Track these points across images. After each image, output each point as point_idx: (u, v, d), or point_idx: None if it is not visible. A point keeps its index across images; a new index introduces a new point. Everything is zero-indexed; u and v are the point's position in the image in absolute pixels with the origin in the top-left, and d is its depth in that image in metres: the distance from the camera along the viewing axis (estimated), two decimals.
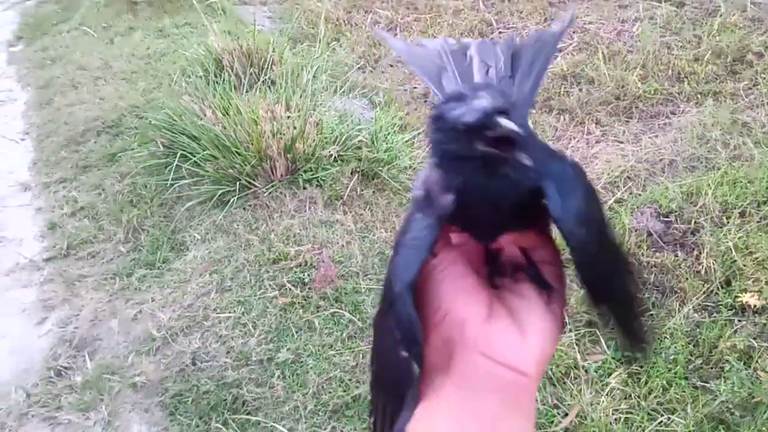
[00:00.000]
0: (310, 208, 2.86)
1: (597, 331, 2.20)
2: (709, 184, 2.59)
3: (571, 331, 2.22)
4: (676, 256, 2.39)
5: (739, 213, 2.47)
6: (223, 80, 3.48)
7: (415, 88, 3.74)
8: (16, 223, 3.28)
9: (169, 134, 3.25)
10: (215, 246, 2.78)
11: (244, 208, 2.93)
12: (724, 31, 3.56)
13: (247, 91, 3.42)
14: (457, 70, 0.68)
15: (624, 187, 2.74)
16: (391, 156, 3.06)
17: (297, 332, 2.35)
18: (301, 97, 3.22)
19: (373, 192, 2.95)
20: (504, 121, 0.48)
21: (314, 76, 3.56)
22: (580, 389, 2.03)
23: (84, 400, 2.29)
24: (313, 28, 4.46)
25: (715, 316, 2.18)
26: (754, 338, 2.07)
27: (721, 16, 3.67)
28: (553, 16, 4.10)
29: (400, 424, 0.54)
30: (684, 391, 1.99)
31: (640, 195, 2.68)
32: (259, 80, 3.52)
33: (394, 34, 4.30)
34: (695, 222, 2.49)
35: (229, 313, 2.47)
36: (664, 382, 2.02)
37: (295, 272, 2.56)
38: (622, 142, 3.06)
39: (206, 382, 2.24)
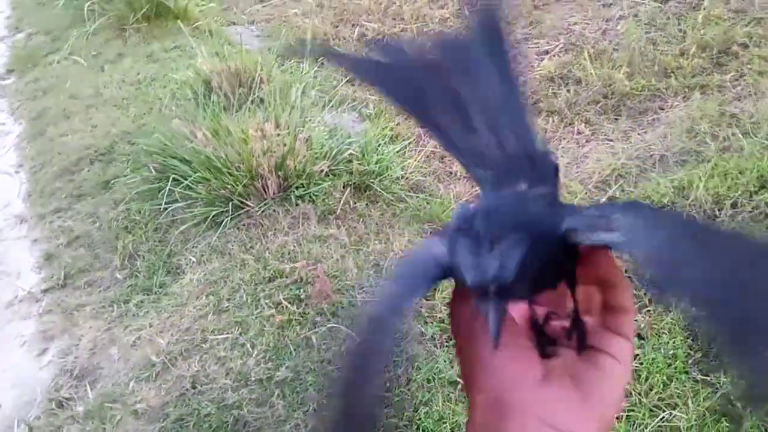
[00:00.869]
0: (304, 224, 2.86)
1: None
2: (700, 177, 2.59)
3: None
4: None
5: (731, 204, 2.47)
6: (213, 102, 3.50)
7: None
8: (13, 255, 3.29)
9: (161, 159, 3.26)
10: (211, 267, 2.78)
11: (237, 228, 2.94)
12: (708, 24, 3.57)
13: (236, 111, 3.44)
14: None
15: (616, 184, 2.74)
16: (382, 167, 3.07)
17: (295, 349, 2.35)
18: (290, 114, 3.24)
19: (366, 204, 2.95)
20: (491, 314, 0.47)
21: (303, 92, 3.57)
22: None
23: (86, 430, 2.29)
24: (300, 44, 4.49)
25: None
26: None
27: (704, 9, 3.68)
28: (539, 19, 4.11)
29: None
30: (685, 386, 1.98)
31: (632, 192, 2.68)
32: (248, 100, 3.53)
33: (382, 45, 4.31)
34: (688, 215, 2.49)
35: (227, 334, 2.47)
36: (665, 377, 2.01)
37: (291, 289, 2.56)
38: (612, 141, 3.06)
39: (207, 405, 2.23)
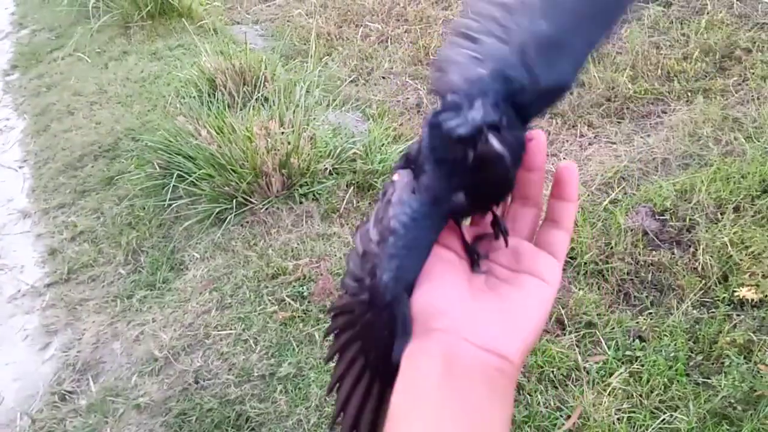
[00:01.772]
0: (307, 222, 2.87)
1: (597, 332, 2.21)
2: (702, 181, 2.61)
3: (571, 333, 2.23)
4: (673, 253, 2.40)
5: (733, 208, 2.48)
6: (217, 100, 3.51)
7: (407, 98, 3.77)
8: (16, 250, 3.30)
9: (166, 155, 3.27)
10: (214, 264, 2.79)
11: (241, 225, 2.95)
12: (711, 28, 3.59)
13: (240, 110, 3.45)
14: None
15: (618, 187, 2.75)
16: (385, 167, 3.08)
17: (298, 346, 2.36)
18: (294, 112, 3.25)
19: (369, 203, 2.96)
20: (493, 140, 0.51)
21: (307, 92, 3.59)
22: (582, 390, 2.03)
23: (89, 423, 2.30)
24: (304, 44, 4.50)
25: (713, 312, 2.18)
26: (753, 332, 2.08)
27: (708, 14, 3.70)
28: None
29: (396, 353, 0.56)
30: (685, 388, 1.99)
31: (634, 195, 2.69)
32: (252, 98, 3.54)
33: (385, 46, 4.33)
34: (690, 219, 2.50)
35: (230, 330, 2.48)
36: (666, 380, 2.02)
37: (294, 286, 2.57)
38: (614, 143, 3.07)
39: (209, 400, 2.24)
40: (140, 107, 4.13)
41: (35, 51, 5.46)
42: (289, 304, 2.51)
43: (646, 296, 2.30)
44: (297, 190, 3.00)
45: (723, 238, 2.37)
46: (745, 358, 2.02)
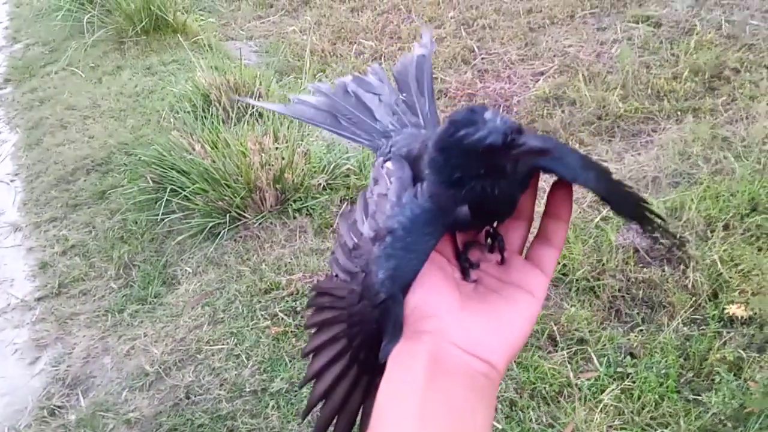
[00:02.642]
0: (301, 237, 2.88)
1: (589, 349, 2.22)
2: (692, 199, 2.64)
3: (563, 349, 2.24)
4: (663, 271, 2.42)
5: (723, 226, 2.51)
6: (211, 114, 3.52)
7: None
8: (7, 263, 3.28)
9: (159, 170, 3.28)
10: (207, 278, 2.79)
11: (234, 240, 2.95)
12: (700, 48, 3.64)
13: (235, 125, 3.46)
14: (353, 108, 0.76)
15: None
16: None
17: (290, 361, 2.35)
18: (288, 128, 3.26)
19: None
20: (530, 140, 0.54)
21: None
22: (574, 407, 2.04)
23: None
24: (299, 60, 4.53)
25: (703, 329, 2.20)
26: (743, 349, 2.09)
27: (697, 34, 3.76)
28: (534, 41, 4.18)
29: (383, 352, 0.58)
30: (676, 405, 2.00)
31: None
32: (246, 113, 3.56)
33: (378, 63, 4.37)
34: (680, 236, 2.52)
35: (222, 345, 2.47)
36: (657, 396, 2.03)
37: (287, 301, 2.57)
38: (605, 161, 3.10)
39: (200, 416, 2.23)
40: (134, 122, 4.14)
41: (28, 65, 5.46)
42: (282, 319, 2.51)
43: (637, 313, 2.32)
44: (291, 205, 3.00)
45: (713, 255, 2.39)
46: (735, 375, 2.03)
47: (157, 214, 3.15)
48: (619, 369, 2.14)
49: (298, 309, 2.53)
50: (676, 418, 1.97)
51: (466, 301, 0.59)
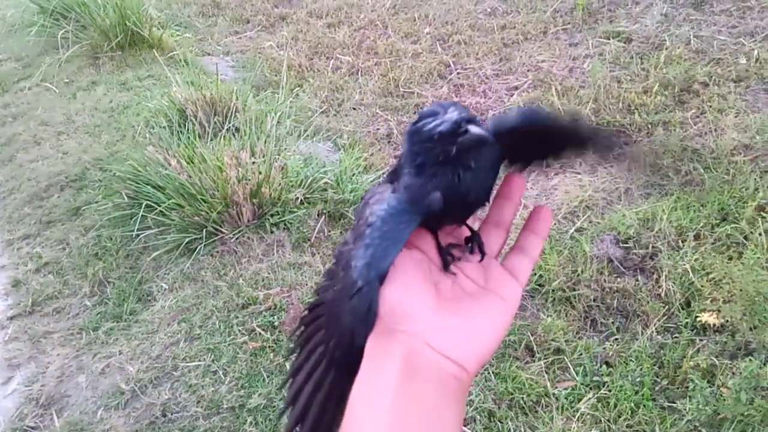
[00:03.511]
0: (278, 252, 2.87)
1: (565, 358, 2.24)
2: (663, 210, 2.68)
3: (540, 359, 2.26)
4: (637, 280, 2.46)
5: (694, 236, 2.56)
6: (188, 130, 3.51)
7: (378, 129, 3.82)
8: None
9: (134, 185, 3.25)
10: (183, 294, 2.77)
11: (211, 255, 2.93)
12: (670, 63, 3.72)
13: (211, 140, 3.45)
14: None
15: (583, 216, 2.82)
16: (356, 196, 3.11)
17: (268, 376, 2.34)
18: (265, 142, 3.27)
19: (341, 232, 2.98)
20: (473, 128, 0.59)
21: (278, 122, 3.61)
22: (552, 417, 2.05)
23: None
24: (276, 75, 4.54)
25: (677, 337, 2.24)
26: (716, 356, 2.13)
27: (666, 49, 3.84)
28: (508, 57, 4.24)
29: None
30: (652, 412, 2.02)
31: (599, 223, 2.76)
32: (223, 128, 3.56)
33: (355, 78, 4.40)
34: (653, 246, 2.57)
35: (199, 361, 2.45)
36: (632, 404, 2.05)
37: (265, 316, 2.56)
38: (579, 174, 3.15)
39: None
40: (108, 137, 4.11)
41: (1, 81, 5.40)
42: (260, 334, 2.50)
43: (612, 322, 2.35)
44: (268, 219, 3.00)
45: (685, 265, 2.43)
46: (708, 381, 2.06)
47: (133, 230, 3.12)
48: (595, 378, 2.16)
49: (276, 324, 2.52)
50: (652, 425, 1.99)
51: (443, 303, 0.60)
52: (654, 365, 2.17)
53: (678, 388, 2.10)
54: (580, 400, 2.10)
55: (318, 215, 3.03)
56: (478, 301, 0.62)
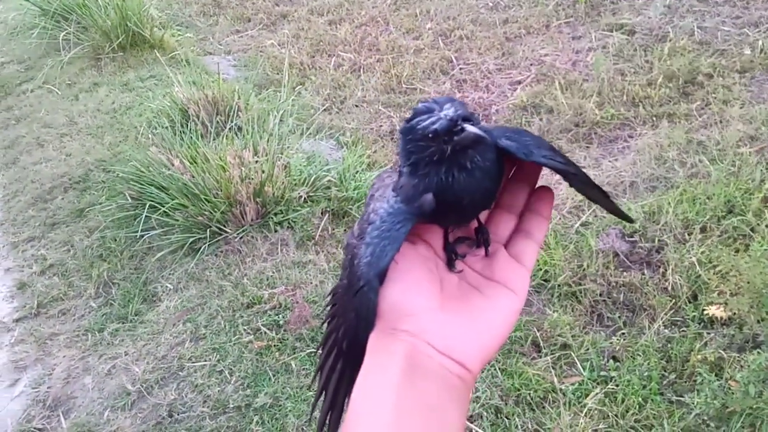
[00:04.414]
0: (282, 251, 2.87)
1: (572, 353, 2.23)
2: (669, 203, 2.67)
3: (546, 355, 2.25)
4: (643, 274, 2.44)
5: (700, 229, 2.54)
6: (190, 130, 3.51)
7: (380, 126, 3.81)
8: None
9: (138, 186, 3.25)
10: (188, 294, 2.77)
11: (215, 255, 2.93)
12: (674, 55, 3.70)
13: (214, 139, 3.45)
14: None
15: (589, 210, 2.80)
16: (360, 194, 3.10)
17: (274, 375, 2.34)
18: (268, 141, 3.26)
19: (345, 230, 2.97)
20: (469, 126, 0.57)
21: (281, 120, 3.60)
22: (559, 412, 2.04)
23: None
24: (277, 73, 4.53)
25: (684, 331, 2.22)
26: (724, 349, 2.11)
27: (670, 41, 3.82)
28: (511, 51, 4.22)
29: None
30: (660, 407, 2.01)
31: (604, 217, 2.74)
32: (225, 128, 3.55)
33: (357, 75, 4.39)
34: (659, 240, 2.55)
35: (205, 361, 2.44)
36: (640, 399, 2.04)
37: (270, 315, 2.56)
38: (584, 167, 3.13)
39: None
40: (111, 138, 4.11)
41: (4, 84, 5.41)
42: (265, 333, 2.49)
43: (619, 317, 2.34)
44: (272, 218, 2.99)
45: (691, 258, 2.42)
46: (716, 375, 2.05)
47: (137, 231, 3.12)
48: (602, 373, 2.15)
49: (281, 323, 2.52)
50: (660, 420, 1.98)
51: (447, 301, 0.59)
52: (661, 359, 2.16)
53: (686, 382, 2.08)
54: (587, 395, 2.09)
55: (322, 213, 3.02)
56: (485, 295, 0.61)
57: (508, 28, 4.48)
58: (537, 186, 0.67)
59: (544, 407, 2.08)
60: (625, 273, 2.46)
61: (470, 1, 4.97)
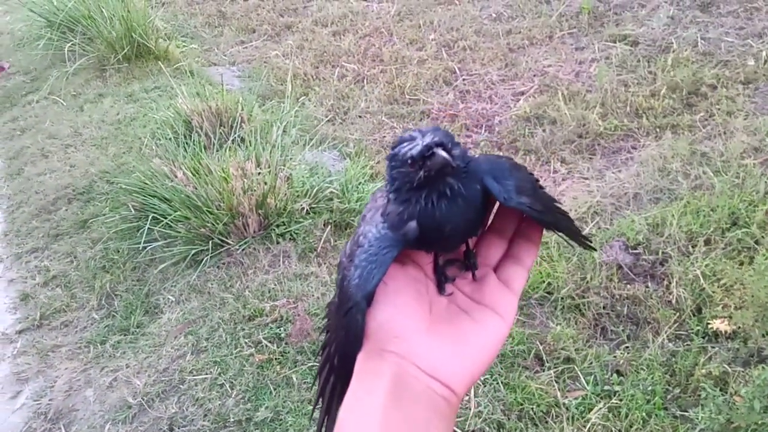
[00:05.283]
0: (284, 263, 2.86)
1: (575, 367, 2.21)
2: (673, 215, 2.65)
3: (549, 368, 2.23)
4: (647, 287, 2.43)
5: (704, 241, 2.53)
6: (193, 141, 3.51)
7: (384, 137, 3.81)
8: None
9: (141, 198, 3.25)
10: (190, 307, 2.76)
11: (218, 267, 2.92)
12: (677, 66, 3.69)
13: (217, 150, 3.45)
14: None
15: (592, 222, 2.79)
16: (362, 205, 3.09)
17: (275, 389, 2.32)
18: (271, 152, 3.26)
19: (347, 242, 2.96)
20: (439, 151, 0.58)
21: (284, 131, 3.61)
22: (562, 427, 2.02)
23: None
24: (281, 84, 4.55)
25: (688, 345, 2.20)
26: (728, 364, 2.09)
27: (673, 52, 3.81)
28: (514, 62, 4.22)
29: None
30: (664, 422, 1.99)
31: (608, 229, 2.73)
32: (229, 139, 3.56)
33: (361, 86, 4.39)
34: (663, 252, 2.53)
35: (206, 374, 2.44)
36: (644, 414, 2.02)
37: (271, 328, 2.55)
38: (587, 179, 3.12)
39: None
40: (115, 149, 4.12)
41: (9, 95, 5.44)
42: (266, 346, 2.48)
43: (623, 330, 2.32)
44: (274, 230, 2.99)
45: (695, 270, 2.40)
46: (721, 390, 2.03)
47: (139, 243, 3.12)
48: (606, 387, 2.13)
49: (282, 335, 2.51)
50: None
51: (435, 323, 0.60)
52: (665, 373, 2.14)
53: (690, 397, 2.06)
54: (590, 410, 2.07)
55: (324, 225, 3.02)
56: (473, 320, 0.62)
57: (511, 39, 4.48)
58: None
59: (547, 422, 2.06)
60: (628, 286, 2.45)
61: (473, 12, 4.98)
